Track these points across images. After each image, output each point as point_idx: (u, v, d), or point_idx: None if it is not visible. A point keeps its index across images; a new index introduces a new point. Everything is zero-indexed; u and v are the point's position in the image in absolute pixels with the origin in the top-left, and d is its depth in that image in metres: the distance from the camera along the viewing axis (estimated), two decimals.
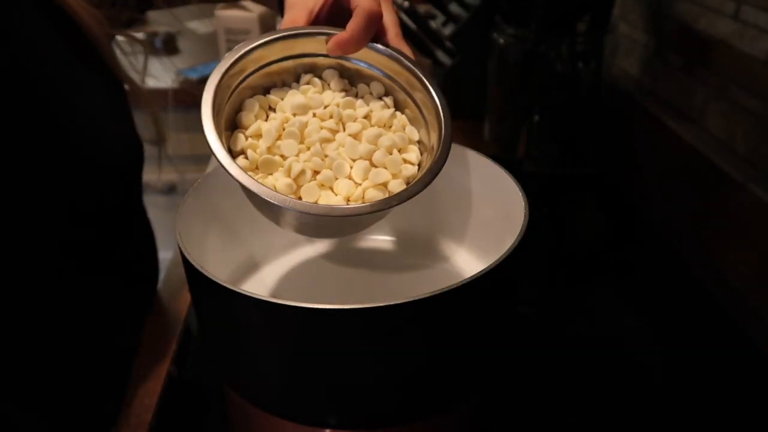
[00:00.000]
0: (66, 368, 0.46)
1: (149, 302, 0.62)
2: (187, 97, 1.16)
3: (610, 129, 0.88)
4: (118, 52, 0.51)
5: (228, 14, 0.90)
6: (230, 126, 0.40)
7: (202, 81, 1.24)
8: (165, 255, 0.71)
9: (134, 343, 0.56)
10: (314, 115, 0.41)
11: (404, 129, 0.42)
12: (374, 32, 0.40)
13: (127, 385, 0.53)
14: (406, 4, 0.88)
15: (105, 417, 0.49)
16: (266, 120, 0.41)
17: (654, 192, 0.79)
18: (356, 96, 0.43)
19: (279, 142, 0.39)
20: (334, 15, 0.42)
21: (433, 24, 0.96)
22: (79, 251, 0.44)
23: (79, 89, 0.44)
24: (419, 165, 0.41)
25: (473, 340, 0.41)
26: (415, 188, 0.38)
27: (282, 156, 0.39)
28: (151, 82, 0.59)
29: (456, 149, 0.52)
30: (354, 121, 0.41)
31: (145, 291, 0.61)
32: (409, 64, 0.42)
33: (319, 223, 0.40)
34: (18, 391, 0.43)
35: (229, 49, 0.40)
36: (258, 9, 0.90)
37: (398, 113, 0.43)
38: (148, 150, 0.54)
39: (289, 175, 0.38)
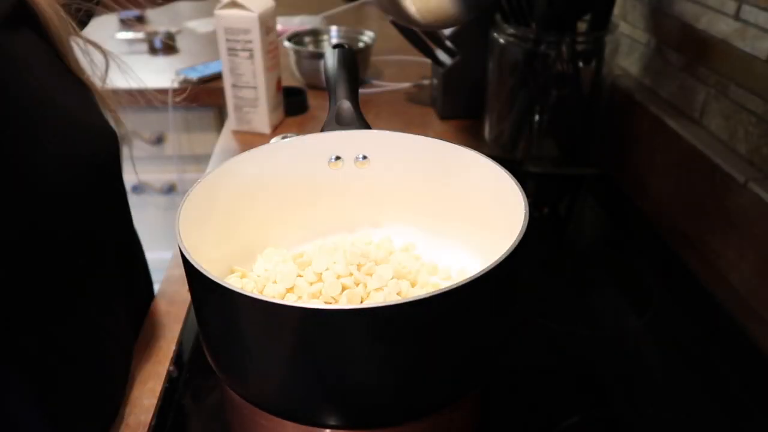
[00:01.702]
0: (65, 368, 0.46)
1: (145, 302, 0.62)
2: (187, 96, 1.16)
3: (611, 129, 0.88)
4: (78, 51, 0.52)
5: (228, 14, 0.89)
6: None
7: (202, 81, 1.24)
8: (165, 255, 0.71)
9: (131, 343, 0.56)
10: None
11: None
12: None
13: (125, 386, 0.52)
14: None
15: (104, 417, 0.49)
16: None
17: (654, 192, 0.79)
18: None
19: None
20: None
21: None
22: (66, 248, 0.44)
23: (50, 81, 0.45)
24: None
25: (473, 340, 0.41)
26: None
27: None
28: (151, 82, 0.59)
29: (456, 149, 0.52)
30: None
31: (140, 290, 0.61)
32: None
33: None
34: (17, 390, 0.43)
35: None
36: (258, 8, 0.90)
37: None
38: (148, 150, 0.54)
39: None
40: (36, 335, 0.43)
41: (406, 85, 1.14)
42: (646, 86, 0.85)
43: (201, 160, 1.23)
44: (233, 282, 0.49)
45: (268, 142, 0.54)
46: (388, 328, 0.36)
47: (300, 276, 0.49)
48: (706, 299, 0.65)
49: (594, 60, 0.82)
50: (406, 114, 1.05)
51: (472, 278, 0.36)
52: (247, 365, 0.41)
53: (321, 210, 0.57)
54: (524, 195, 0.44)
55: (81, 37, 0.51)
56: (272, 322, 0.37)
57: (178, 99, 1.05)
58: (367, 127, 0.54)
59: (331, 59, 0.58)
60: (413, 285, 0.49)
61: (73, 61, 0.49)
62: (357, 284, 0.47)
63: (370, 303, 0.46)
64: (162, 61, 1.31)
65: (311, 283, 0.48)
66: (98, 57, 0.53)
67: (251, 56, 0.89)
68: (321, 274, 0.48)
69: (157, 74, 1.19)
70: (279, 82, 0.97)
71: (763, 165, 0.63)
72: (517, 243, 0.39)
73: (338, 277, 0.48)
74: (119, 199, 0.55)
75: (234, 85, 0.93)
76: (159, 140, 1.24)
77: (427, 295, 0.35)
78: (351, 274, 0.48)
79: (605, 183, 0.86)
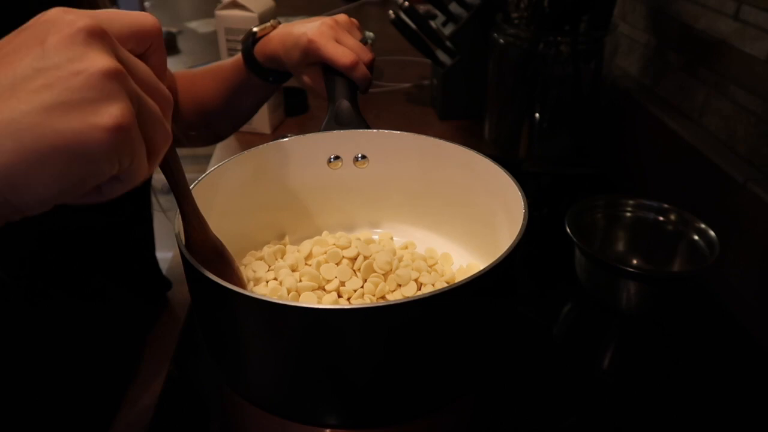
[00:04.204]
0: (67, 367, 0.46)
1: (154, 306, 0.62)
2: None
3: (611, 128, 0.88)
4: None
5: (228, 14, 0.89)
6: None
7: None
8: (165, 255, 0.71)
9: (137, 345, 0.56)
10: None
11: None
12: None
13: (127, 386, 0.53)
14: (407, 4, 0.89)
15: (103, 416, 0.50)
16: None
17: (654, 191, 0.79)
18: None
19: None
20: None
21: (433, 24, 0.96)
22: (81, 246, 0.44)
23: None
24: None
25: (473, 339, 0.41)
26: None
27: None
28: None
29: (456, 149, 0.52)
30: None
31: (149, 296, 0.61)
32: None
33: None
34: (18, 388, 0.43)
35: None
36: (258, 8, 0.90)
37: None
38: None
39: None
40: (37, 333, 0.43)
41: (406, 85, 1.14)
42: (646, 86, 0.85)
43: (201, 160, 1.23)
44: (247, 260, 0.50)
45: (268, 142, 0.54)
46: (387, 328, 0.36)
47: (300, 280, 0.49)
48: (706, 298, 0.65)
49: (594, 60, 0.82)
50: (406, 114, 1.05)
51: (472, 278, 0.36)
52: (247, 365, 0.41)
53: (320, 209, 0.57)
54: (524, 195, 0.44)
55: None
56: (272, 322, 0.37)
57: None
58: (367, 126, 0.54)
59: None
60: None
61: None
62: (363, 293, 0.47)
63: (369, 303, 0.46)
64: None
65: (313, 289, 0.48)
66: None
67: None
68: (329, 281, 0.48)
69: None
70: None
71: (762, 165, 0.63)
72: (516, 243, 0.39)
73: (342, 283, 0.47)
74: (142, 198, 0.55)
75: None
76: None
77: (427, 295, 0.35)
78: (354, 275, 0.48)
79: (605, 183, 0.86)
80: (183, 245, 0.39)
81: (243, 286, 0.44)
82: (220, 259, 0.41)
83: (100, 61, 0.23)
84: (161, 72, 0.28)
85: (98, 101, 0.23)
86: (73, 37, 0.23)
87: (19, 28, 0.24)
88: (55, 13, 0.24)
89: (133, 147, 0.24)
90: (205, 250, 0.40)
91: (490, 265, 0.37)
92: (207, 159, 0.96)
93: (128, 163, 0.25)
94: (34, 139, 0.22)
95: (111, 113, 0.23)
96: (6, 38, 0.24)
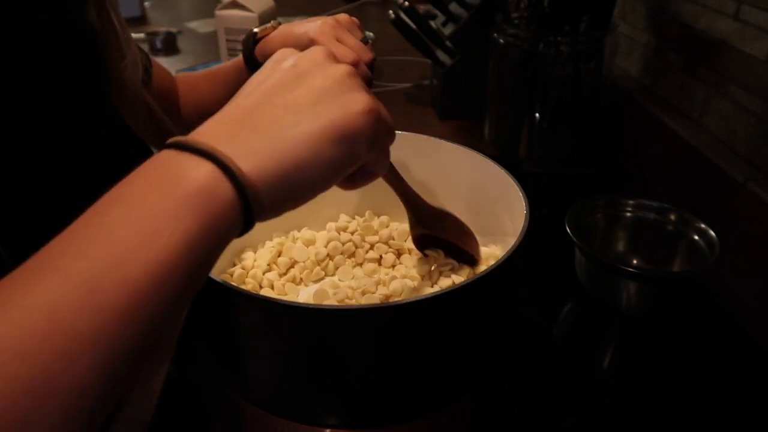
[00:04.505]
0: None
1: None
2: None
3: (611, 128, 0.88)
4: None
5: (228, 14, 0.90)
6: None
7: None
8: None
9: None
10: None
11: None
12: None
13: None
14: (407, 4, 0.89)
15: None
16: None
17: (654, 191, 0.79)
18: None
19: None
20: None
21: (433, 24, 0.96)
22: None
23: None
24: None
25: (473, 339, 0.41)
26: None
27: None
28: None
29: (456, 149, 0.52)
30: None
31: None
32: None
33: None
34: None
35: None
36: (258, 8, 0.90)
37: None
38: None
39: None
40: None
41: (406, 85, 1.14)
42: (646, 86, 0.85)
43: None
44: (247, 256, 0.51)
45: None
46: (387, 328, 0.36)
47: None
48: (706, 299, 0.65)
49: (594, 60, 0.82)
50: (407, 114, 1.05)
51: (473, 278, 0.36)
52: (246, 365, 0.41)
53: (320, 210, 0.57)
54: (524, 195, 0.44)
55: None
56: (272, 322, 0.37)
57: None
58: None
59: None
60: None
61: None
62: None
63: (370, 303, 0.46)
64: (163, 62, 1.30)
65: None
66: None
67: None
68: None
69: None
70: None
71: (762, 165, 0.63)
72: (517, 243, 0.39)
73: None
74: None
75: None
76: None
77: (428, 296, 0.35)
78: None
79: (605, 183, 0.86)
80: None
81: (472, 237, 0.51)
82: (448, 222, 0.50)
83: (340, 67, 0.32)
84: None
85: (348, 93, 0.31)
86: (316, 57, 0.32)
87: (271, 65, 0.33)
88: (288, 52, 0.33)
89: (380, 132, 0.31)
90: (434, 219, 0.49)
91: (491, 265, 0.37)
92: None
93: (378, 149, 0.32)
94: (314, 117, 0.29)
95: (361, 100, 0.30)
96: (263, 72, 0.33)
